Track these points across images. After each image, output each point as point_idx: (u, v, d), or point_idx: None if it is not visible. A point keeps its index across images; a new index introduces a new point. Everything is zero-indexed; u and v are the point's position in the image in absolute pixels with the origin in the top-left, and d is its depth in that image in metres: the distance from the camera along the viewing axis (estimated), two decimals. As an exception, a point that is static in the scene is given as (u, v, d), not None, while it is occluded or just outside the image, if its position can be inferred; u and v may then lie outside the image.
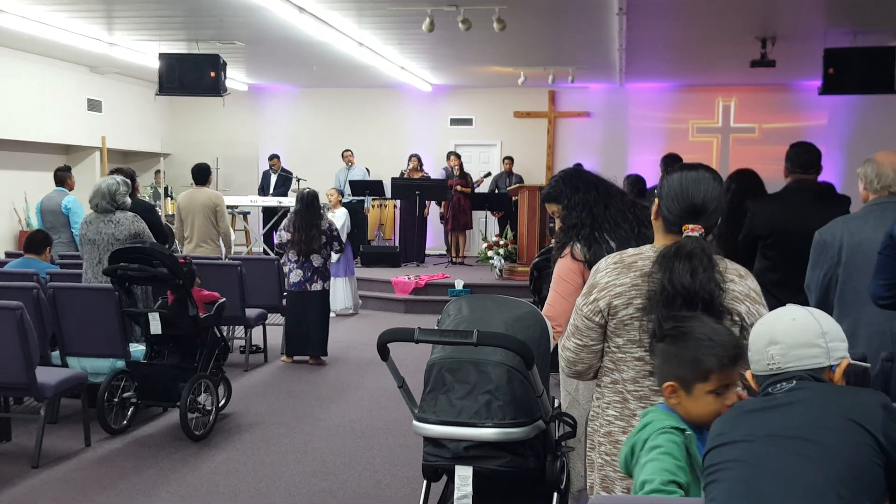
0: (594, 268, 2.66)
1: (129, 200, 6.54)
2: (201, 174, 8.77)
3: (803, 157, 4.94)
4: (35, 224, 12.29)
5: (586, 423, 2.91)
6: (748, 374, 2.14)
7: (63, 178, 8.97)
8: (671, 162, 7.78)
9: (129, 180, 6.74)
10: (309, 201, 8.05)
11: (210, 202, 8.61)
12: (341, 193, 11.65)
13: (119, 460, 5.31)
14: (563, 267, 3.53)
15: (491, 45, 11.36)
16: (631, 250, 2.62)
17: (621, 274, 2.53)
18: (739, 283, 2.47)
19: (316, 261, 8.05)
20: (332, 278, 10.51)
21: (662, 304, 2.41)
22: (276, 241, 8.57)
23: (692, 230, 2.45)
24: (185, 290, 5.71)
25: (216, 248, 8.61)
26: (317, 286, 8.08)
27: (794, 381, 2.01)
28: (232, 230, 11.09)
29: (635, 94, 15.56)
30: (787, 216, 4.73)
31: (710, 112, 15.48)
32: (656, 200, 2.57)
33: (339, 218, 10.57)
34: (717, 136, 15.48)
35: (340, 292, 10.74)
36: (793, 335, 2.05)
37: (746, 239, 4.96)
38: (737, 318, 2.43)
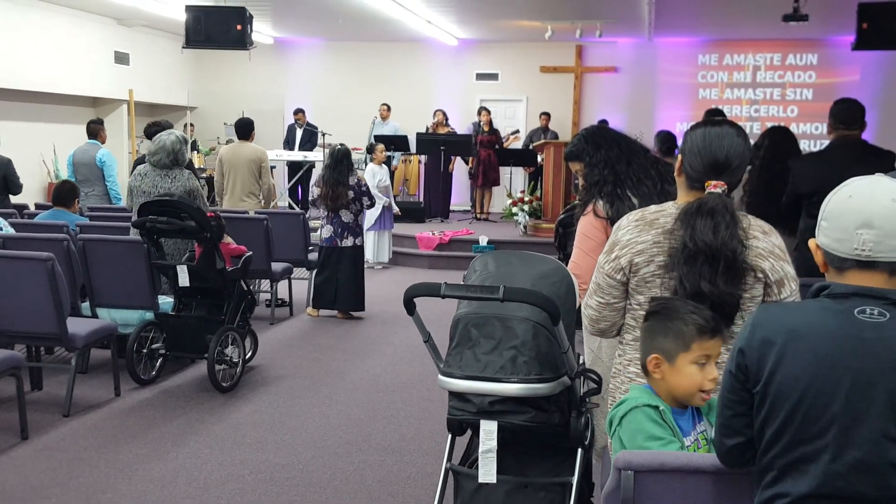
0: (616, 225, 2.65)
1: (188, 158, 6.65)
2: (245, 129, 8.78)
3: (847, 112, 4.88)
4: (63, 176, 12.41)
5: (609, 381, 2.93)
6: (812, 244, 1.96)
7: (96, 130, 9.03)
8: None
9: (187, 137, 6.86)
10: (339, 158, 8.04)
11: (255, 157, 8.65)
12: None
13: (148, 410, 5.41)
14: (587, 224, 3.53)
15: (518, -2, 11.22)
16: (653, 207, 2.60)
17: (643, 231, 2.52)
18: (763, 239, 2.44)
19: (345, 216, 8.06)
20: (372, 232, 10.65)
21: (684, 262, 2.40)
22: (310, 196, 8.68)
23: (714, 186, 2.42)
24: (212, 244, 5.77)
25: (258, 203, 8.68)
26: (347, 242, 8.11)
27: (889, 311, 1.79)
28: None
29: (664, 49, 15.32)
30: (831, 173, 4.65)
31: (740, 67, 15.22)
32: (679, 156, 2.55)
33: (375, 174, 10.57)
34: (746, 91, 15.24)
35: (383, 245, 10.91)
36: (893, 221, 1.80)
37: (790, 197, 4.91)
38: (760, 275, 2.42)
